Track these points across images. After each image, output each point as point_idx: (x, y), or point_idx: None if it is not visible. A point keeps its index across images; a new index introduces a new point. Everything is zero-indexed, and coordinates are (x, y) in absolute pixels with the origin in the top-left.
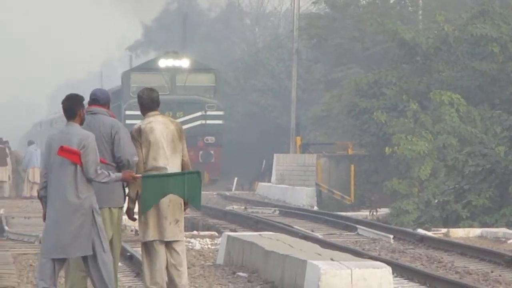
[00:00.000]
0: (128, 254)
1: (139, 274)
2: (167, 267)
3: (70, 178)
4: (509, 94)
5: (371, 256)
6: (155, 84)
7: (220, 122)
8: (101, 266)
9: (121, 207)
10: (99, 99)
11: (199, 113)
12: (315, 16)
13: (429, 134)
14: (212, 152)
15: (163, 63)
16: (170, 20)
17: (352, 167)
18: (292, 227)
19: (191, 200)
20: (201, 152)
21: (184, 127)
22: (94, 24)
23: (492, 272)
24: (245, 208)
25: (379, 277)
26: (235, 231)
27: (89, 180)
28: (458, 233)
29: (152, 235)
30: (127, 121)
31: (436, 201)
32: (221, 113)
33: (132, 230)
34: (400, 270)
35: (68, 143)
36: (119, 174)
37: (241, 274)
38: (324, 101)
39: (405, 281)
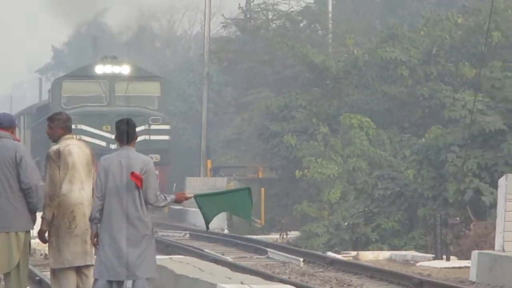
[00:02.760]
0: (38, 278)
1: None
2: None
3: (137, 202)
4: (418, 117)
5: (281, 280)
6: (91, 93)
7: (166, 137)
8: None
9: (28, 231)
10: (2, 122)
11: (141, 127)
12: (225, 40)
13: (339, 157)
14: (157, 172)
15: (100, 69)
16: (81, 44)
17: (263, 190)
18: (203, 251)
19: (245, 217)
20: None
21: None
22: (3, 47)
23: None
24: (156, 231)
25: None
26: None
27: (148, 205)
28: (368, 256)
29: (65, 262)
30: None
31: (346, 224)
32: (167, 127)
33: (41, 254)
34: None
35: (130, 168)
36: (173, 197)
37: None
38: (235, 124)
39: None
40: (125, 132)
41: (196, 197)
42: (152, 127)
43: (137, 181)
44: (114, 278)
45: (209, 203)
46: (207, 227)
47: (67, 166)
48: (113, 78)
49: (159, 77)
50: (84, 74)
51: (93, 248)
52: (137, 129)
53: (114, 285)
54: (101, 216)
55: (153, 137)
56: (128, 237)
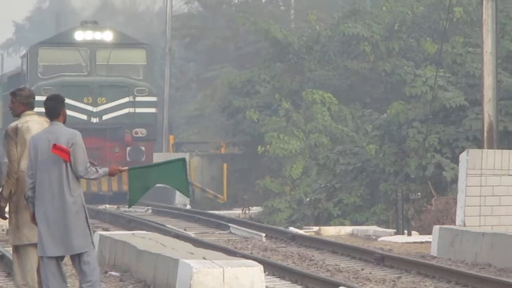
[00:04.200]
0: (0, 253)
1: (10, 274)
2: (38, 269)
3: (63, 176)
4: (380, 93)
5: (243, 255)
6: (70, 62)
7: (152, 110)
8: (90, 260)
9: None
10: None
11: (126, 99)
12: (187, 16)
13: (301, 133)
14: (143, 148)
15: (80, 35)
16: (42, 19)
17: (225, 166)
18: (165, 226)
19: (179, 189)
20: (128, 149)
21: (107, 116)
22: None
23: (362, 269)
24: (118, 207)
25: (251, 275)
26: (107, 230)
27: (78, 178)
28: (330, 231)
29: (23, 239)
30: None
31: (308, 199)
32: (154, 99)
33: (3, 230)
34: (272, 268)
35: (57, 142)
36: (106, 169)
37: (113, 273)
38: (197, 100)
39: (277, 279)
40: (52, 108)
41: (130, 169)
42: (137, 99)
43: (61, 153)
44: (53, 254)
45: (142, 177)
46: (130, 205)
47: (25, 142)
48: (94, 45)
49: (145, 44)
50: (62, 41)
51: None
52: (121, 101)
53: (59, 260)
54: (34, 194)
55: (138, 110)
56: (58, 212)
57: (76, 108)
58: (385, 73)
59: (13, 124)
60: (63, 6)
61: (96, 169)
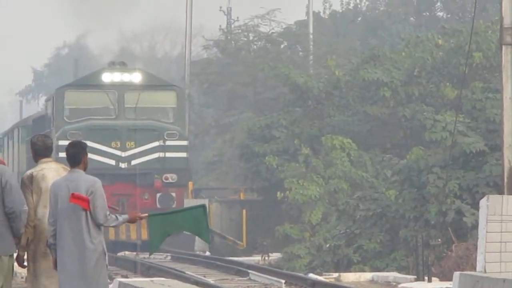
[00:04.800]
0: None
1: None
2: None
3: (83, 224)
4: (400, 138)
5: None
6: (97, 105)
7: (183, 155)
8: None
9: (12, 255)
10: None
11: (156, 143)
12: (206, 61)
13: (320, 178)
14: (173, 194)
15: (107, 77)
16: (61, 65)
17: (244, 212)
18: (184, 273)
19: (200, 235)
20: (158, 195)
21: (137, 161)
22: None
23: None
24: (137, 254)
25: None
26: (126, 277)
27: (98, 225)
28: (349, 278)
29: (39, 287)
30: (60, 154)
31: (328, 245)
32: (184, 143)
33: (22, 277)
34: None
35: (76, 190)
36: (126, 216)
37: None
38: (216, 146)
39: None
40: (73, 155)
41: (150, 216)
42: (168, 143)
43: (80, 202)
44: None
45: (162, 224)
46: (151, 252)
47: (41, 190)
48: (122, 87)
49: (175, 86)
50: (89, 83)
51: None
52: (151, 145)
53: None
54: (55, 241)
55: (168, 155)
56: (78, 260)
57: (104, 153)
58: (404, 119)
59: (28, 172)
60: (82, 52)
61: (116, 216)
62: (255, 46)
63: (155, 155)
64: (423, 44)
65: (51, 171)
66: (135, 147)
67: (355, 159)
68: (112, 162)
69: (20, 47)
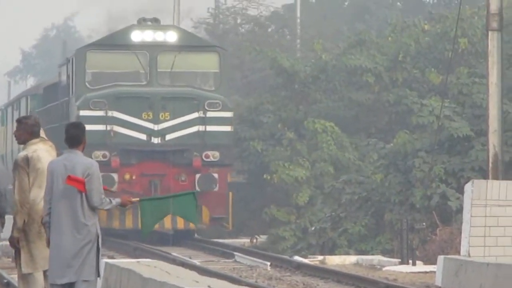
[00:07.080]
0: (5, 281)
1: None
2: None
3: (78, 205)
4: (385, 123)
5: (248, 283)
6: (125, 68)
7: (227, 128)
8: None
9: None
10: None
11: (194, 115)
12: None
13: (306, 161)
14: (215, 175)
15: (137, 36)
16: (49, 47)
17: (230, 194)
18: (170, 254)
19: (189, 219)
20: (198, 176)
21: (172, 135)
22: None
23: None
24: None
25: None
26: (113, 258)
27: (93, 208)
28: (334, 261)
29: (38, 266)
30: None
31: (313, 228)
32: (229, 114)
33: (9, 257)
34: None
35: (73, 172)
36: (119, 200)
37: None
38: None
39: None
40: (74, 136)
41: (141, 201)
42: (209, 114)
43: (76, 184)
44: (62, 281)
45: (153, 208)
46: (144, 236)
47: (36, 172)
48: (155, 48)
49: (218, 47)
50: (116, 42)
51: None
52: (188, 116)
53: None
54: (50, 219)
55: (209, 128)
56: (71, 240)
57: (133, 126)
58: (389, 104)
59: (22, 154)
60: (70, 34)
61: (110, 200)
62: (242, 29)
63: (194, 129)
64: (409, 29)
65: (43, 152)
66: (170, 119)
67: (337, 143)
68: (143, 136)
69: (8, 28)
